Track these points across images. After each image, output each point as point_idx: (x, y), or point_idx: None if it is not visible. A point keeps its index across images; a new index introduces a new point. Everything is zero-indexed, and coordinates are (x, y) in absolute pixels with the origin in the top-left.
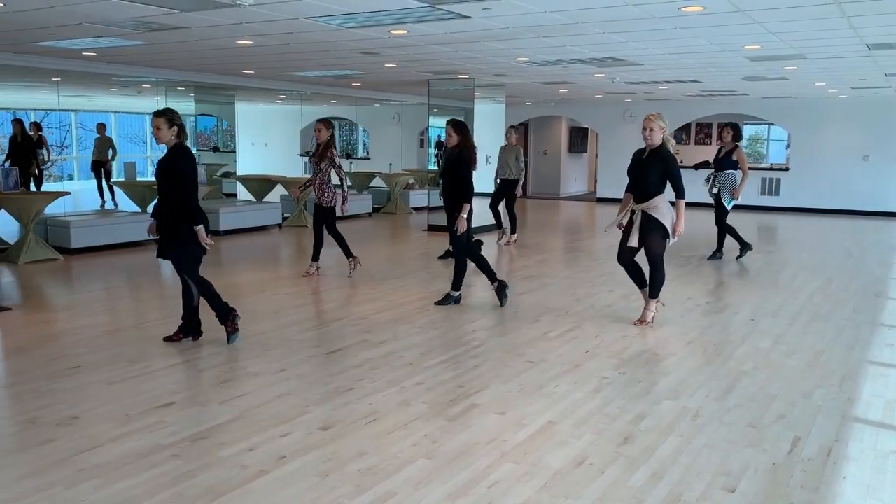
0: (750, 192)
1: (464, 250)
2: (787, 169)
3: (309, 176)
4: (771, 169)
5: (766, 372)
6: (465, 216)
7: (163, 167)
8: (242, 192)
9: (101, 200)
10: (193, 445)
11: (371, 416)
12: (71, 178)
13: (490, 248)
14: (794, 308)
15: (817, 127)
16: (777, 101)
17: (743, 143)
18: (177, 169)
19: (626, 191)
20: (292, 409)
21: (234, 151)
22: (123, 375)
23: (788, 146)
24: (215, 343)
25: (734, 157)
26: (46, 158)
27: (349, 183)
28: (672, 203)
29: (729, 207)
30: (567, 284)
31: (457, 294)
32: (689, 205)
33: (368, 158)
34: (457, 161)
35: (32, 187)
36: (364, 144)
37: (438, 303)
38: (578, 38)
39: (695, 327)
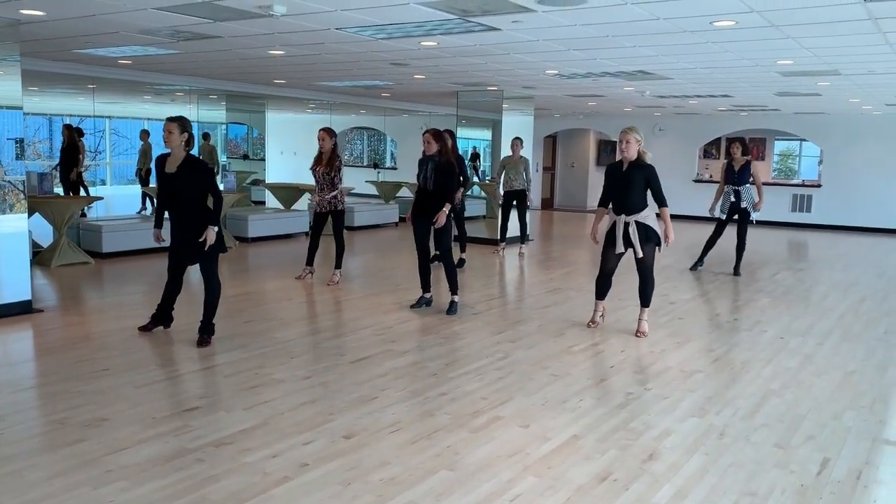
0: (781, 208)
1: (448, 252)
2: (818, 185)
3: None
4: (802, 185)
5: (795, 392)
6: (446, 212)
7: (178, 178)
8: (271, 200)
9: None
10: (217, 450)
11: (394, 425)
12: (104, 183)
13: (512, 259)
14: (825, 327)
15: (850, 143)
16: (809, 117)
17: (774, 158)
18: (198, 179)
19: (600, 205)
20: (316, 416)
21: (264, 160)
22: (151, 379)
23: (821, 162)
24: (241, 349)
25: (752, 172)
26: (80, 164)
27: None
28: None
29: (753, 221)
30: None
31: (457, 298)
32: (716, 220)
33: (396, 168)
34: (447, 168)
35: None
36: (392, 154)
37: (449, 312)
38: (608, 51)
39: (722, 344)
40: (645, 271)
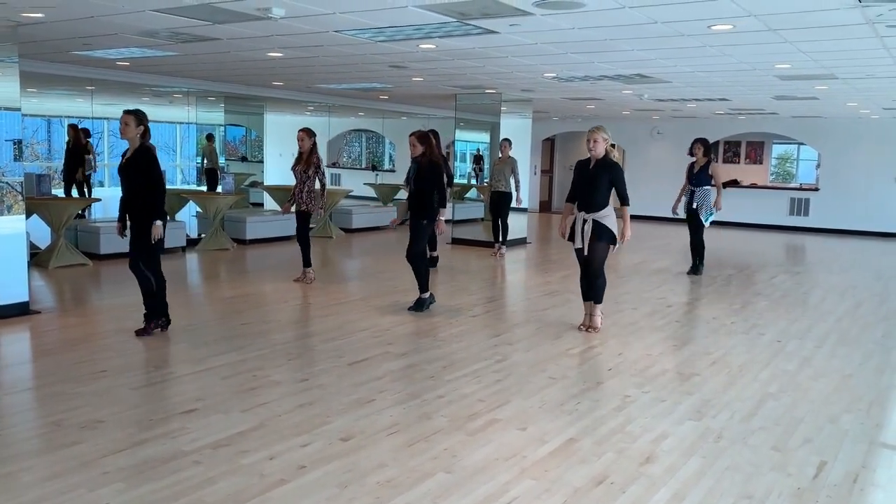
0: (778, 211)
1: (419, 255)
2: (816, 189)
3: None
4: (800, 189)
5: (792, 395)
6: (444, 220)
7: (129, 166)
8: (269, 202)
9: None
10: (215, 452)
11: (392, 428)
12: (102, 184)
13: (510, 261)
14: (822, 331)
15: (848, 147)
16: (807, 121)
17: (772, 162)
18: (141, 166)
19: (567, 200)
20: (313, 419)
21: (262, 161)
22: (148, 380)
23: (818, 166)
24: (238, 351)
25: (710, 173)
26: (93, 166)
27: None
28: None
29: (707, 224)
30: None
31: (427, 295)
32: (715, 223)
33: (394, 171)
34: (429, 169)
35: (80, 193)
36: (390, 157)
37: (412, 308)
38: (606, 54)
39: (719, 347)
40: (593, 269)
